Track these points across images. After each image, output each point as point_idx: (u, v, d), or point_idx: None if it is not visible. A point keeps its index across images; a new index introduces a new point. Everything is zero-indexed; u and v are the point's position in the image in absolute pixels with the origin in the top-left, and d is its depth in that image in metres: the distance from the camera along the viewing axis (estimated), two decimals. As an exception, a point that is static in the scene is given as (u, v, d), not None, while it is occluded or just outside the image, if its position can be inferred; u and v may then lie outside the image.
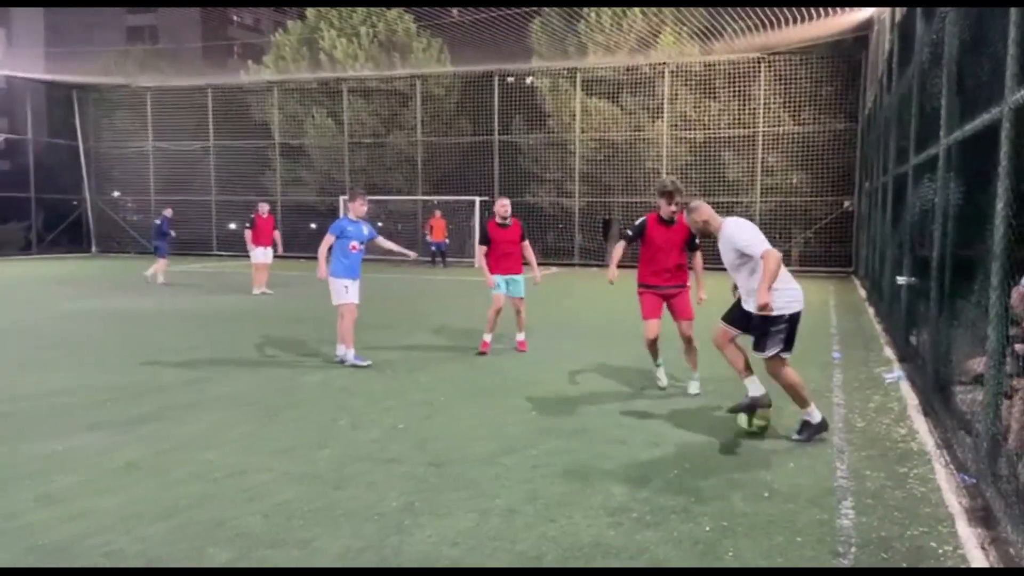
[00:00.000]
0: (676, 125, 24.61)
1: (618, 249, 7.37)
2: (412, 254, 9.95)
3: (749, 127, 23.81)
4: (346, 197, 8.97)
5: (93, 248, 31.43)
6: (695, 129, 24.43)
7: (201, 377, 7.90)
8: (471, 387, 7.56)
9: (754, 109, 23.68)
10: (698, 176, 24.26)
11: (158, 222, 18.65)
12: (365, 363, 8.49)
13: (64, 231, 31.11)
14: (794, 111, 23.36)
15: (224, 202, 29.82)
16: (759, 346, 5.57)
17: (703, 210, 5.89)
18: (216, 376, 7.97)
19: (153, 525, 4.10)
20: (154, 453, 5.37)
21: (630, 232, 7.34)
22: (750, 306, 5.60)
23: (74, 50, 31.70)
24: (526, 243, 9.58)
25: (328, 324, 8.65)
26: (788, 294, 5.51)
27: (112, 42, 38.33)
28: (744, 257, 5.56)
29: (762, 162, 23.83)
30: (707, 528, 4.09)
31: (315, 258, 8.91)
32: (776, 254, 5.39)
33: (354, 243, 8.61)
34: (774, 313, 5.37)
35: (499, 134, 26.84)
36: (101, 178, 31.95)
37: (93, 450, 5.43)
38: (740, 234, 5.58)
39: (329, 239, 8.61)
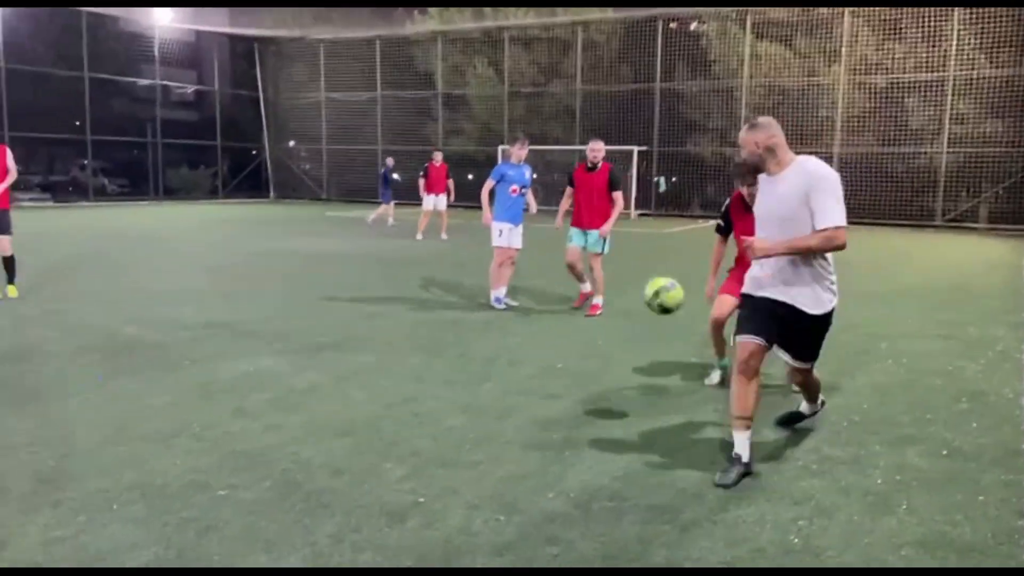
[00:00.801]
0: (855, 69, 23.06)
1: (716, 249, 5.74)
2: (534, 209, 9.09)
3: (938, 71, 21.94)
4: (505, 147, 9.00)
5: (271, 194, 33.61)
6: (876, 73, 22.81)
7: (373, 312, 8.35)
8: (629, 333, 7.57)
9: (945, 51, 21.76)
10: (876, 124, 22.75)
11: (382, 170, 20.20)
12: (501, 306, 8.65)
13: (246, 177, 33.45)
14: (992, 53, 21.26)
15: (389, 151, 30.94)
16: (814, 353, 4.24)
17: (771, 128, 3.98)
18: (387, 312, 8.40)
19: (335, 440, 4.43)
20: (333, 378, 5.78)
21: (721, 222, 5.72)
22: (788, 291, 4.00)
23: (254, 5, 33.47)
24: (616, 193, 8.38)
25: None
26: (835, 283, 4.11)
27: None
28: (801, 219, 3.87)
29: (951, 109, 21.94)
30: (879, 480, 3.94)
31: (474, 206, 9.08)
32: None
33: (514, 187, 8.72)
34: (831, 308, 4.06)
35: (661, 81, 26.17)
36: (279, 128, 33.94)
37: (280, 372, 5.90)
38: (836, 184, 3.85)
39: (490, 183, 8.77)
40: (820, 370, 4.61)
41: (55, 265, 11.65)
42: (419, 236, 16.78)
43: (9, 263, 8.77)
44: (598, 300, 8.56)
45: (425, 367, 6.16)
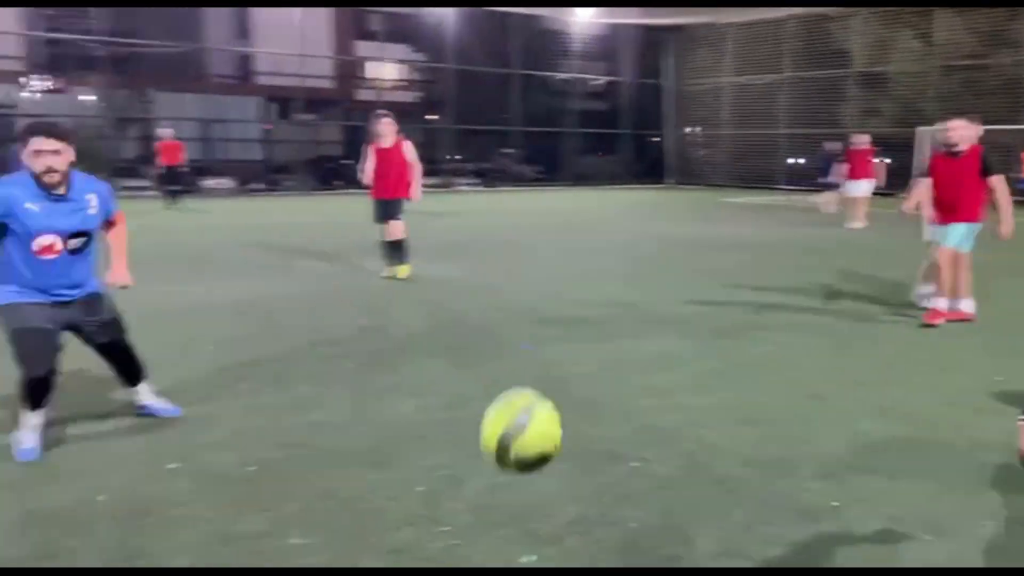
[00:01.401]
0: None
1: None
2: None
3: None
4: (927, 128, 8.11)
5: (670, 179, 34.31)
6: None
7: (774, 302, 8.11)
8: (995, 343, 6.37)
9: None
10: None
11: (825, 154, 19.37)
12: (928, 304, 7.59)
13: (647, 163, 34.56)
14: None
15: (790, 135, 29.61)
16: None
17: None
18: (788, 303, 8.11)
19: (740, 428, 4.43)
20: (734, 365, 5.78)
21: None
22: None
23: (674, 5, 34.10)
24: (992, 179, 6.91)
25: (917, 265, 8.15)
26: None
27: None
28: None
29: None
30: None
31: (888, 194, 8.34)
32: None
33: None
34: None
35: None
36: (679, 114, 34.44)
37: (684, 355, 6.07)
38: None
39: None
40: None
41: (484, 243, 13.26)
42: (857, 224, 15.65)
43: (398, 246, 9.20)
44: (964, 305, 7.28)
45: (831, 363, 5.87)
